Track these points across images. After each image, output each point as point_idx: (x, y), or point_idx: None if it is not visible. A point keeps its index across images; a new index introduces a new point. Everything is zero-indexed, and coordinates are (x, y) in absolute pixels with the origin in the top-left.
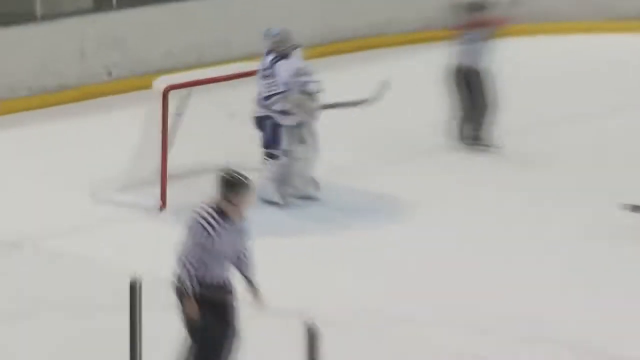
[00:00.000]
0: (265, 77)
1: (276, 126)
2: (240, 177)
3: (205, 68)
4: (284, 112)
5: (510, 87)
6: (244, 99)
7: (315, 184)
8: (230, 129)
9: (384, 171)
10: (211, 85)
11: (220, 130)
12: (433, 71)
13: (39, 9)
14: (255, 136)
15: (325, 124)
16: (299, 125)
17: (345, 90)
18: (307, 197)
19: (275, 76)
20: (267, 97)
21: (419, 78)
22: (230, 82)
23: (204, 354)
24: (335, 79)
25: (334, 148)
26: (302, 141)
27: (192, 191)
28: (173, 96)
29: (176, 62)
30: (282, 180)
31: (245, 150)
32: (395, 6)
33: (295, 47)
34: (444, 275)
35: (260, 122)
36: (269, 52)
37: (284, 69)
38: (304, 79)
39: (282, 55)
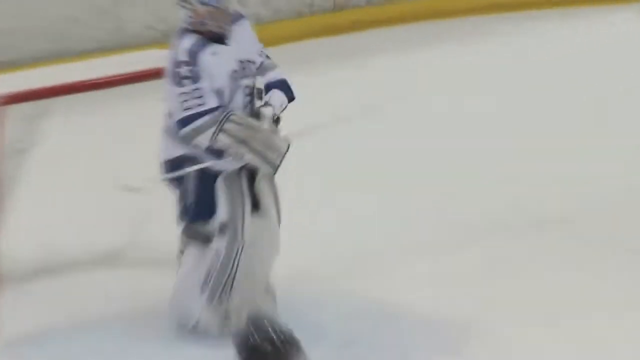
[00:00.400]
0: (178, 81)
1: (204, 178)
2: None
3: (69, 62)
4: (217, 151)
5: None
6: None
7: (273, 296)
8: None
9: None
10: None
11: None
12: None
13: None
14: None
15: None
16: (247, 174)
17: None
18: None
19: (198, 80)
20: (185, 121)
21: None
22: (119, 88)
23: None
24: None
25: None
26: (254, 206)
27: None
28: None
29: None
30: (218, 291)
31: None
32: None
33: (237, 19)
34: None
35: (174, 169)
36: (183, 33)
37: (214, 65)
38: (248, 82)
39: (213, 38)
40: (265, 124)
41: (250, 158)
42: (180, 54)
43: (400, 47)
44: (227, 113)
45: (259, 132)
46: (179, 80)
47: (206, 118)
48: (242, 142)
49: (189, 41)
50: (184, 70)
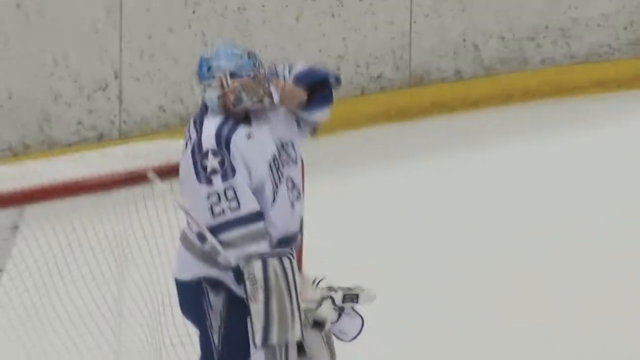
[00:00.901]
0: (204, 177)
1: (234, 310)
2: None
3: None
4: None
5: None
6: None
7: None
8: None
9: None
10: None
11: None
12: None
13: None
14: None
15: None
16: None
17: None
18: None
19: (231, 174)
20: (215, 230)
21: None
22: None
23: None
24: None
25: None
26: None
27: None
28: None
29: None
30: None
31: None
32: None
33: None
34: None
35: (193, 296)
36: (205, 114)
37: (250, 151)
38: (292, 173)
39: (243, 117)
40: (312, 293)
41: (254, 309)
42: (205, 142)
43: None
44: (288, 251)
45: (291, 300)
46: (204, 176)
47: (243, 230)
48: (267, 290)
49: (214, 123)
50: (212, 162)
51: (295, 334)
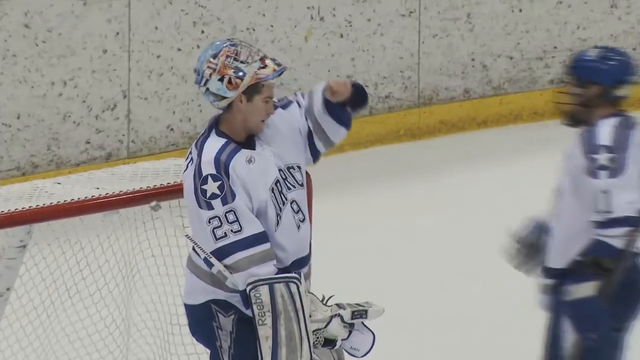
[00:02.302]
0: (204, 203)
1: (243, 330)
2: None
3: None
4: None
5: None
6: None
7: None
8: None
9: None
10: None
11: None
12: None
13: None
14: None
15: None
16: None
17: None
18: None
19: (230, 198)
20: (218, 254)
21: None
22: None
23: None
24: None
25: None
26: None
27: None
28: None
29: None
30: None
31: None
32: None
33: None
34: None
35: (204, 319)
36: (206, 135)
37: (251, 176)
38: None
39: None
40: (322, 313)
41: (262, 333)
42: (204, 167)
43: None
44: (294, 276)
45: (299, 323)
46: (204, 200)
47: (247, 253)
48: (274, 314)
49: (214, 148)
50: (211, 186)
51: (304, 357)
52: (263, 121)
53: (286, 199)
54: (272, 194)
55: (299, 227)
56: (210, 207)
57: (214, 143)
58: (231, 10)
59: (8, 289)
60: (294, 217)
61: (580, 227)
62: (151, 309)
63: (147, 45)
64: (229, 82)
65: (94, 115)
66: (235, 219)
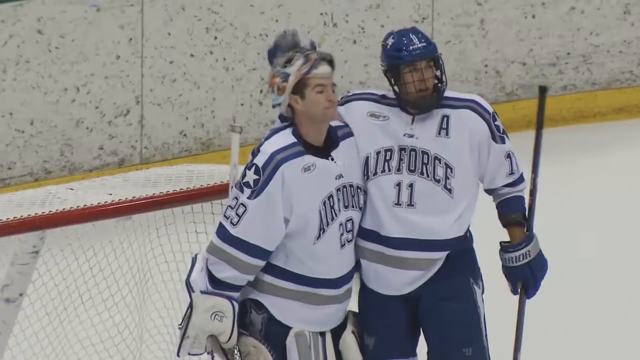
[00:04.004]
0: (239, 185)
1: (270, 326)
2: None
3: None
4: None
5: None
6: None
7: None
8: None
9: None
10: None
11: None
12: None
13: None
14: None
15: None
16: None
17: None
18: None
19: (257, 198)
20: (217, 232)
21: None
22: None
23: None
24: None
25: None
26: None
27: None
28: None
29: None
30: None
31: None
32: None
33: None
34: None
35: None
36: (278, 127)
37: (302, 185)
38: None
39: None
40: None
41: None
42: (260, 154)
43: None
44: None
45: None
46: (240, 182)
47: (225, 247)
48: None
49: (279, 141)
50: (250, 176)
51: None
52: (328, 108)
53: (336, 215)
54: (323, 207)
55: (343, 245)
56: (240, 189)
57: (282, 138)
58: (244, 17)
59: (21, 295)
60: (340, 236)
61: None
62: (164, 315)
63: (160, 51)
64: (278, 88)
65: (107, 121)
66: (242, 214)
